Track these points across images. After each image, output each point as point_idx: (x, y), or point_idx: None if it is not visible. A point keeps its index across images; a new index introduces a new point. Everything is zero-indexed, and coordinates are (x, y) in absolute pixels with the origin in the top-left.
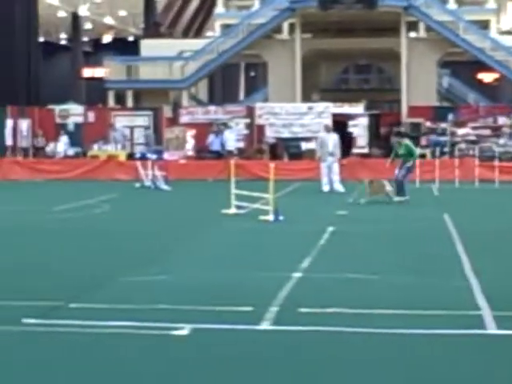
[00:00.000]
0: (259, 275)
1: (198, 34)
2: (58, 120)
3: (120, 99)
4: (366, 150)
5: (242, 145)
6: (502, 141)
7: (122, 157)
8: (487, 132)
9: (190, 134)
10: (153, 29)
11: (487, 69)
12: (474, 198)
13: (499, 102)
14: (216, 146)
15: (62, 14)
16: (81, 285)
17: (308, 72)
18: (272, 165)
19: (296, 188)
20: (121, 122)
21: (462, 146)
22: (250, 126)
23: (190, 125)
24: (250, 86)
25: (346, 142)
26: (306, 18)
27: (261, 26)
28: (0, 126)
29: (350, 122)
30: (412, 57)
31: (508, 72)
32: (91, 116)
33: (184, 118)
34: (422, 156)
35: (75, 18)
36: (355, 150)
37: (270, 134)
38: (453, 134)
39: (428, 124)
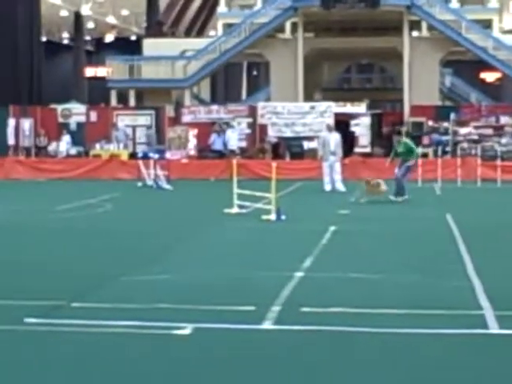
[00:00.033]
0: (261, 274)
1: (201, 33)
2: (61, 119)
3: (122, 98)
4: (368, 150)
5: (244, 144)
6: (504, 140)
7: (124, 156)
8: (489, 131)
9: (192, 133)
10: (155, 28)
11: (490, 68)
12: (476, 198)
13: (501, 101)
14: (218, 146)
15: (64, 13)
16: (83, 284)
17: (310, 71)
18: (274, 164)
19: (298, 187)
20: (123, 121)
21: (464, 145)
22: (252, 126)
23: (192, 124)
24: (253, 86)
25: (349, 141)
26: (308, 17)
27: (263, 26)
28: (2, 126)
29: (353, 122)
30: (414, 56)
31: (510, 71)
32: (93, 115)
33: (186, 118)
34: (424, 155)
35: (77, 18)
36: (357, 150)
37: (272, 134)
38: (455, 133)
39: (430, 123)
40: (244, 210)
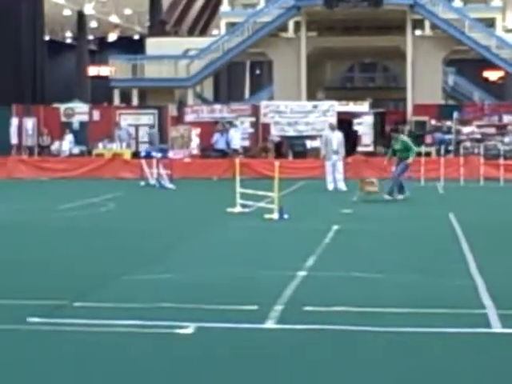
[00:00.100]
0: (264, 274)
1: (204, 32)
2: (63, 118)
3: (125, 98)
4: (371, 149)
5: (247, 143)
6: (507, 139)
7: (127, 155)
8: (492, 130)
9: (195, 132)
10: (158, 27)
11: (493, 67)
12: (479, 197)
13: (505, 100)
14: (221, 145)
15: (67, 12)
16: (85, 283)
17: (313, 70)
18: (277, 163)
19: (301, 186)
20: (126, 120)
21: (467, 144)
22: (255, 125)
23: (195, 123)
24: (256, 85)
25: (351, 140)
26: (311, 16)
27: (266, 25)
28: (5, 125)
29: (355, 121)
30: (417, 55)
31: None
32: (96, 114)
33: (189, 117)
34: (427, 154)
35: (81, 17)
36: (360, 149)
37: (275, 133)
38: (458, 132)
39: (433, 122)
40: (247, 209)
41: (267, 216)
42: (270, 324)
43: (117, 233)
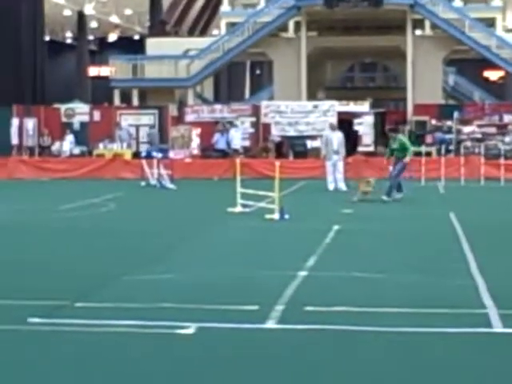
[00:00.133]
0: (265, 274)
1: (204, 32)
2: (64, 119)
3: (126, 98)
4: (371, 149)
5: (247, 143)
6: (507, 139)
7: (128, 155)
8: (493, 130)
9: (196, 132)
10: (158, 27)
11: (493, 66)
12: (480, 196)
13: (505, 99)
14: (222, 145)
15: (67, 12)
16: (86, 284)
17: (313, 70)
18: (277, 163)
19: (301, 186)
20: (126, 120)
21: (468, 143)
22: (255, 125)
23: (195, 123)
24: (256, 85)
25: (352, 140)
26: (311, 16)
27: (266, 25)
28: (6, 125)
29: (356, 121)
30: (418, 55)
31: None
32: (97, 115)
33: (189, 117)
34: (428, 154)
35: (81, 17)
36: (361, 149)
37: (276, 133)
38: (458, 131)
39: (433, 122)
40: (247, 209)
41: (268, 216)
42: (270, 324)
43: (117, 233)
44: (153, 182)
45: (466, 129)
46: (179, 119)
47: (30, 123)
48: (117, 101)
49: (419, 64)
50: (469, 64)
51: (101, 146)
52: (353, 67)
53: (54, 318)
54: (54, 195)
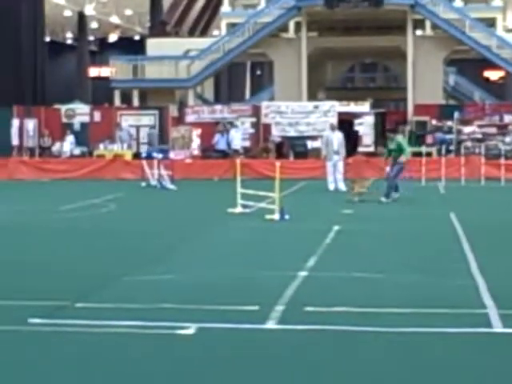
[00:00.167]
0: (265, 274)
1: (204, 32)
2: (64, 119)
3: (126, 98)
4: (371, 149)
5: (247, 144)
6: (508, 139)
7: (128, 156)
8: (493, 130)
9: (196, 133)
10: (159, 28)
11: (493, 67)
12: (480, 196)
13: (505, 99)
14: (222, 145)
15: (68, 13)
16: (86, 284)
17: (314, 71)
18: (278, 163)
19: (302, 187)
20: (127, 121)
21: (468, 144)
22: (255, 125)
23: (195, 124)
24: (256, 85)
25: (352, 140)
26: (312, 16)
27: (267, 25)
28: (6, 126)
29: (356, 121)
30: (418, 55)
31: None
32: (97, 115)
33: (190, 117)
34: (428, 154)
35: (81, 18)
36: (361, 149)
37: (276, 133)
38: (459, 132)
39: (434, 122)
40: (248, 210)
41: (268, 216)
42: (270, 324)
43: (118, 234)
44: (153, 182)
45: (467, 129)
46: (179, 120)
47: (31, 124)
48: (117, 101)
49: (420, 64)
50: (469, 64)
51: (101, 146)
52: (353, 67)
53: (55, 319)
54: (55, 196)
